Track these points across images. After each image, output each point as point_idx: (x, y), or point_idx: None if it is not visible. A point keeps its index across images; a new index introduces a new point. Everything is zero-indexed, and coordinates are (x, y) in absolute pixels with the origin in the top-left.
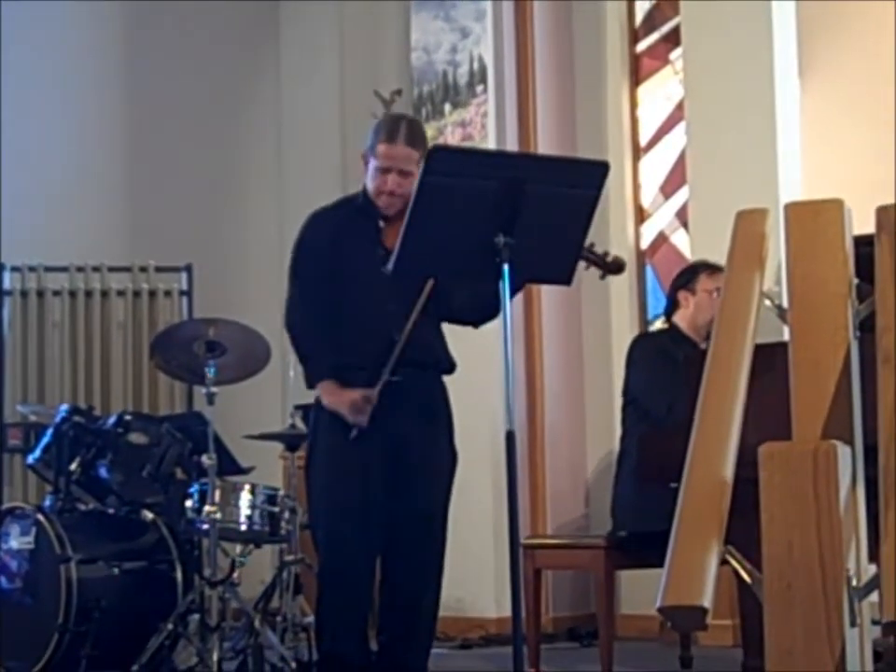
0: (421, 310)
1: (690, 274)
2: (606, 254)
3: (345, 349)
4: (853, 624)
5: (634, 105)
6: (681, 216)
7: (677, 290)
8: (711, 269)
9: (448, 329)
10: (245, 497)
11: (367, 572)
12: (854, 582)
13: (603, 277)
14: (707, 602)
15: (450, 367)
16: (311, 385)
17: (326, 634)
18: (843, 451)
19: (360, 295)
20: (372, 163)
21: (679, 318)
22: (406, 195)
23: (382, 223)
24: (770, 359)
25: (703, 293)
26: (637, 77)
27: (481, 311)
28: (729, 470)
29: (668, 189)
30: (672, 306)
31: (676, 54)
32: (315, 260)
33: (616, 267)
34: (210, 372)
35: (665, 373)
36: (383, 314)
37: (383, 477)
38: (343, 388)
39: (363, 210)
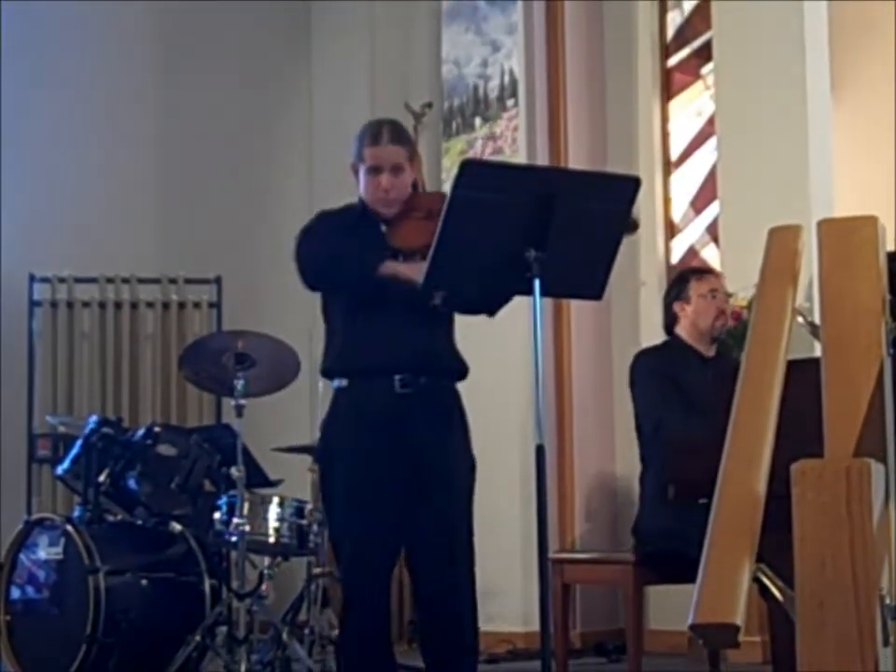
0: (430, 315)
1: (680, 284)
2: None
3: (356, 354)
4: (886, 643)
5: (665, 120)
6: (712, 230)
7: (671, 304)
8: (699, 273)
9: (471, 339)
10: (273, 510)
11: (385, 583)
12: (887, 601)
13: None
14: (739, 620)
15: (463, 372)
16: (374, 269)
17: (347, 648)
18: (876, 468)
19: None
20: (362, 169)
21: (681, 329)
22: (402, 194)
23: (384, 227)
24: (802, 375)
25: (697, 298)
26: (668, 92)
27: (490, 301)
28: (761, 487)
29: (699, 203)
30: (671, 320)
31: (707, 69)
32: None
33: (631, 226)
34: (239, 385)
35: (656, 392)
36: (392, 317)
37: (402, 487)
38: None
39: (363, 217)
